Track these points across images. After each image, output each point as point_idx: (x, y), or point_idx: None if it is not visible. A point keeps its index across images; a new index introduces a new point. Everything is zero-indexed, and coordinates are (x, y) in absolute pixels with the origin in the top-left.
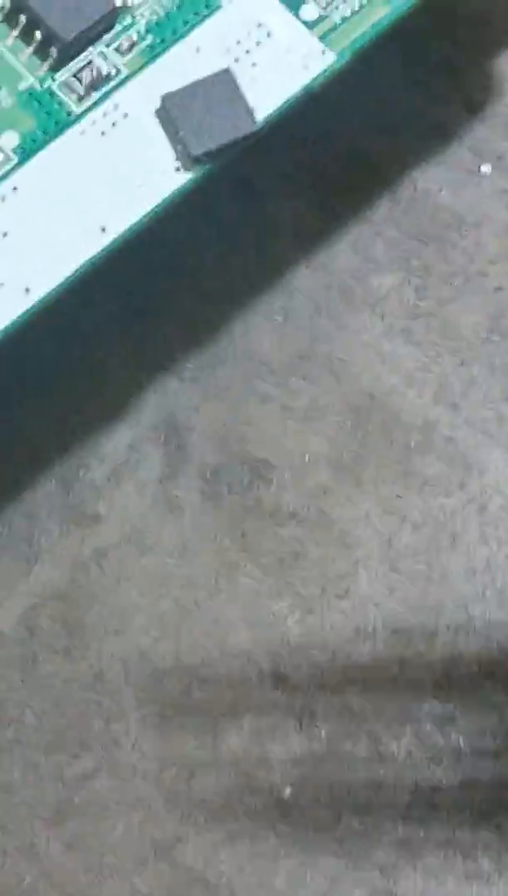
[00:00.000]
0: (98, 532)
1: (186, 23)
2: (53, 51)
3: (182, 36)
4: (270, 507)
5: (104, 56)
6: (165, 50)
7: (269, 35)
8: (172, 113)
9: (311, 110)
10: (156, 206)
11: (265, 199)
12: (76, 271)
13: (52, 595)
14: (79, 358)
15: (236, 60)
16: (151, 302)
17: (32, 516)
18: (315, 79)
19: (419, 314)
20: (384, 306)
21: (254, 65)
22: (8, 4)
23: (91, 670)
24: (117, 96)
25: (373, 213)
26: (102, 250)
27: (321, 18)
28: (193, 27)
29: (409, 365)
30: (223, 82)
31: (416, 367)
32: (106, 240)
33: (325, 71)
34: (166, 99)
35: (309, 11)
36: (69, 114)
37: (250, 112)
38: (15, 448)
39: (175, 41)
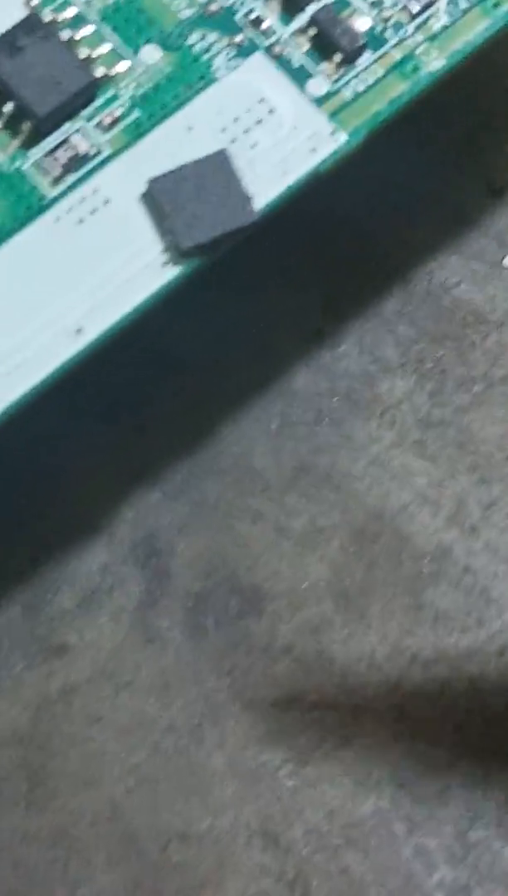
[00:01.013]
0: (67, 666)
1: (176, 97)
2: (26, 126)
3: (172, 112)
4: (261, 641)
5: (84, 133)
6: (152, 127)
7: (271, 112)
8: (159, 199)
9: (315, 190)
10: (139, 306)
11: (262, 290)
12: (47, 378)
13: (13, 738)
14: (47, 465)
15: (233, 141)
16: (130, 403)
17: None
18: (323, 163)
19: (433, 424)
20: (394, 414)
21: (253, 146)
22: None
23: (56, 826)
24: (98, 179)
25: (383, 309)
26: (77, 354)
27: (330, 94)
28: (184, 102)
29: (421, 482)
30: (218, 165)
31: (429, 484)
32: (82, 343)
33: (335, 154)
34: (153, 183)
35: (317, 85)
36: (42, 198)
37: (247, 200)
38: None
39: (164, 117)
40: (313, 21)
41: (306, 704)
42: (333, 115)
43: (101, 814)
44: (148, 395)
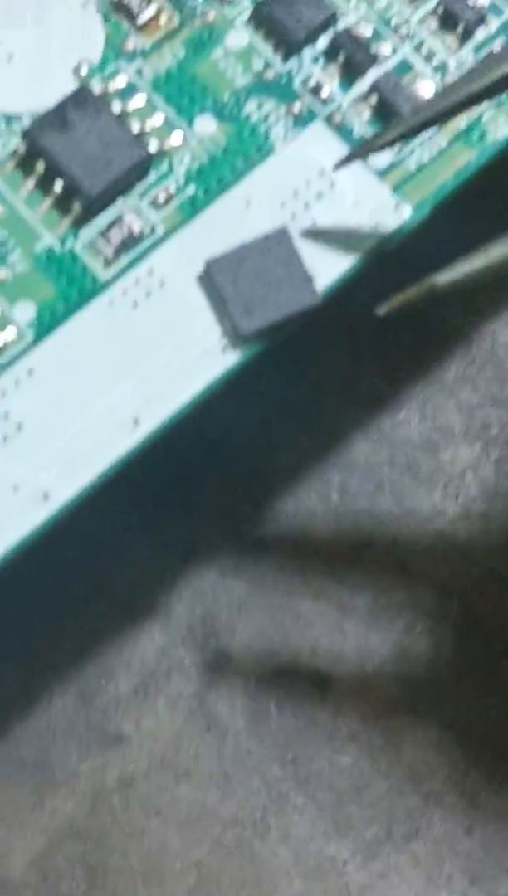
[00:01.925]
0: (123, 756)
1: (233, 170)
2: (77, 205)
3: (229, 186)
4: (326, 728)
5: (137, 211)
6: (208, 203)
7: (332, 185)
8: (217, 281)
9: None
10: (198, 395)
11: (318, 356)
12: (103, 473)
13: (70, 833)
14: (100, 545)
15: (293, 217)
16: (183, 477)
17: (46, 737)
18: (388, 238)
19: (500, 494)
20: (458, 485)
21: (314, 222)
22: (23, 148)
23: None
24: (152, 260)
25: (444, 373)
26: (136, 446)
27: (393, 165)
28: (241, 176)
29: (490, 556)
30: (279, 244)
31: (497, 558)
32: (139, 435)
33: (401, 229)
34: (211, 264)
35: (380, 157)
36: (95, 280)
37: (309, 281)
38: (29, 656)
39: (220, 192)
40: (374, 87)
41: (374, 795)
42: (396, 187)
43: None
44: (201, 466)
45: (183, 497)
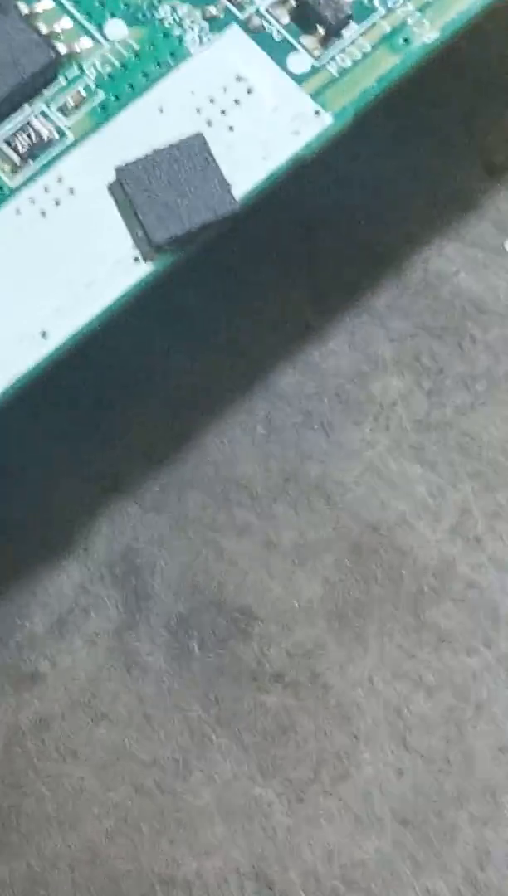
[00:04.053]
0: (38, 697)
1: (146, 75)
2: None
3: (141, 92)
4: (250, 667)
5: (44, 116)
6: (120, 109)
7: (250, 92)
8: (129, 189)
9: (298, 175)
10: (109, 307)
11: (244, 285)
12: (9, 388)
13: None
14: (16, 479)
15: (210, 123)
16: (104, 410)
17: None
18: (308, 146)
19: (432, 426)
20: (388, 416)
21: (231, 128)
22: None
23: (30, 872)
24: (61, 167)
25: (375, 301)
26: (42, 360)
27: (314, 70)
28: (154, 81)
29: (420, 490)
30: (193, 150)
31: (429, 492)
32: (47, 348)
33: (320, 136)
34: (122, 171)
35: (299, 62)
36: (1, 188)
37: (226, 188)
38: None
39: (132, 98)
40: None
41: (300, 736)
42: (317, 93)
43: (79, 858)
44: (123, 401)
45: (104, 431)
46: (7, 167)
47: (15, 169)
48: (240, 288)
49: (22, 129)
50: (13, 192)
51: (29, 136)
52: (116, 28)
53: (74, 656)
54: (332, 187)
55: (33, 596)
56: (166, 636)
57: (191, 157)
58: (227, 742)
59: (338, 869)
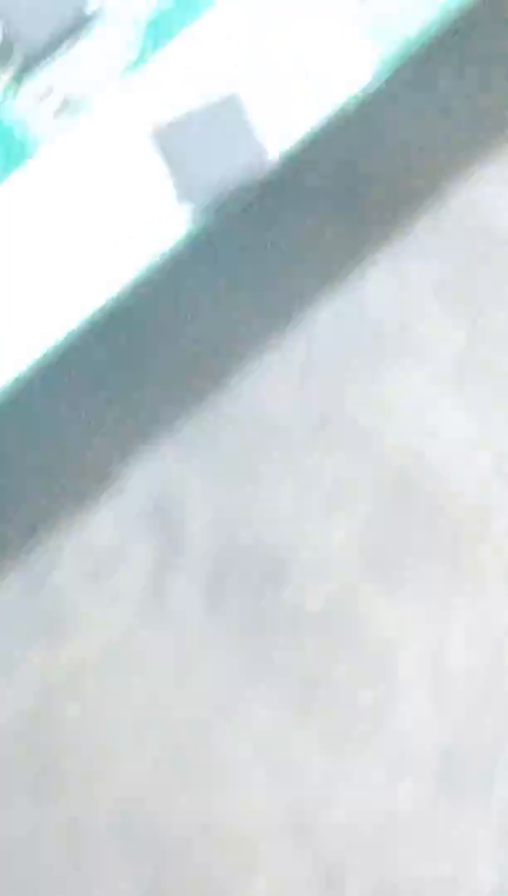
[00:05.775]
0: (71, 647)
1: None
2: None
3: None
4: (286, 612)
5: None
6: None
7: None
8: (164, 148)
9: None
10: (146, 267)
11: (276, 220)
12: (48, 352)
13: (15, 725)
14: (48, 424)
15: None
16: (135, 353)
17: None
18: (349, 100)
19: (473, 364)
20: (428, 354)
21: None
22: None
23: (67, 820)
24: (91, 122)
25: (414, 236)
26: (82, 324)
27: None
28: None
29: (462, 430)
30: (231, 106)
31: (470, 432)
32: (85, 312)
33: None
34: (159, 130)
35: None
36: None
37: (261, 146)
38: None
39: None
40: None
41: (337, 681)
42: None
43: (115, 807)
44: (155, 343)
45: (139, 373)
46: (37, 123)
47: (44, 126)
48: (271, 224)
49: (53, 85)
50: (42, 150)
51: (60, 91)
52: None
53: (106, 606)
54: (364, 115)
55: (64, 545)
56: (202, 582)
57: (224, 116)
58: (264, 690)
59: (375, 816)
